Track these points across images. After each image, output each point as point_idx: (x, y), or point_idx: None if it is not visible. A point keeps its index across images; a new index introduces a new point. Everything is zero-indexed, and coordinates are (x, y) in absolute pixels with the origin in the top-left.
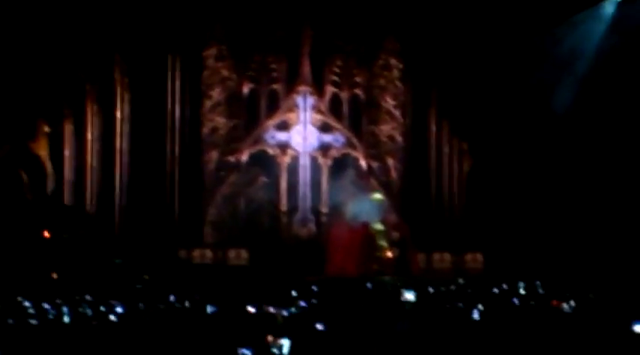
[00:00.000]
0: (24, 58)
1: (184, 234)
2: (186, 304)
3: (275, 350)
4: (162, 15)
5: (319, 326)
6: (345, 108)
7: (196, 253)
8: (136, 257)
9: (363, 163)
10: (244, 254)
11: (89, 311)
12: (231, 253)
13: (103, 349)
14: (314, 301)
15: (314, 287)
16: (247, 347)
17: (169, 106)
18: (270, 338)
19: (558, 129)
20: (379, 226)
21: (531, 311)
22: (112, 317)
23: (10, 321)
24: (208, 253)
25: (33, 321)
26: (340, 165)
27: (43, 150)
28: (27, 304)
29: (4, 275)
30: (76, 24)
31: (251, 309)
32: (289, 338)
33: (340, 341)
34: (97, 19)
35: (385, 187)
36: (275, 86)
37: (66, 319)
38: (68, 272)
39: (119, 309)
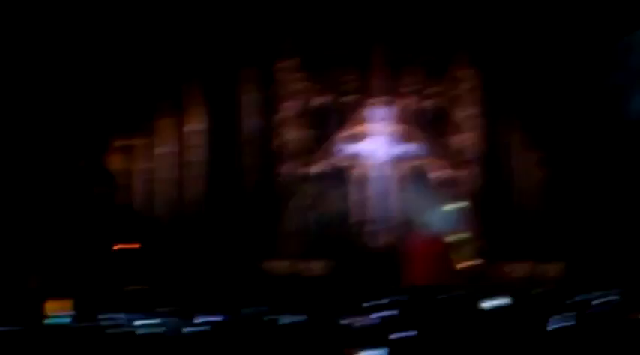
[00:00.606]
0: (97, 73)
1: (259, 246)
2: (265, 316)
3: None
4: (234, 28)
5: (398, 336)
6: (417, 119)
7: (272, 265)
8: (212, 268)
9: (436, 174)
10: (320, 265)
11: (167, 323)
12: (307, 264)
13: None
14: (392, 312)
15: (392, 298)
16: None
17: (242, 119)
18: (350, 350)
19: (635, 136)
20: (454, 237)
21: (609, 321)
22: (191, 330)
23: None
24: (283, 264)
25: (114, 330)
26: (414, 177)
27: (117, 165)
28: (105, 316)
29: (83, 289)
30: (149, 38)
31: (331, 320)
32: (374, 348)
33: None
34: (170, 32)
35: (459, 197)
36: (347, 98)
37: (142, 330)
38: (144, 285)
39: (198, 320)
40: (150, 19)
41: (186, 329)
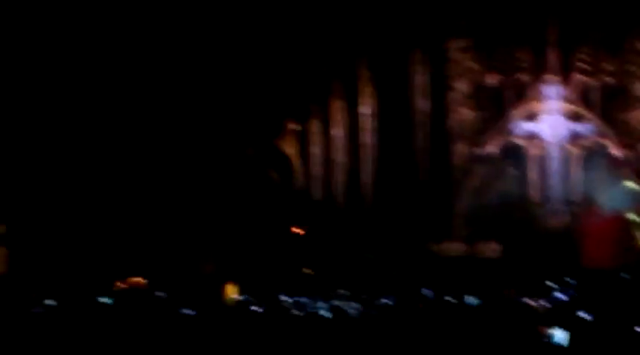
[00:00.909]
0: (270, 58)
1: (434, 228)
2: (445, 298)
3: (554, 339)
4: (405, 9)
5: (582, 317)
6: (595, 96)
7: (446, 246)
8: (388, 251)
9: (614, 152)
10: (496, 246)
11: (347, 306)
12: (483, 246)
13: (365, 342)
14: (572, 293)
15: (571, 279)
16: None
17: (414, 100)
18: (543, 328)
19: None
20: (634, 216)
21: None
22: (374, 311)
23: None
24: (459, 246)
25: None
26: (591, 155)
27: (291, 148)
28: (286, 299)
29: (261, 272)
30: (320, 22)
31: (509, 301)
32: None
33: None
34: (341, 16)
35: (639, 175)
36: (521, 76)
37: (324, 313)
38: (322, 268)
39: (380, 303)
40: (321, 3)
41: (366, 311)
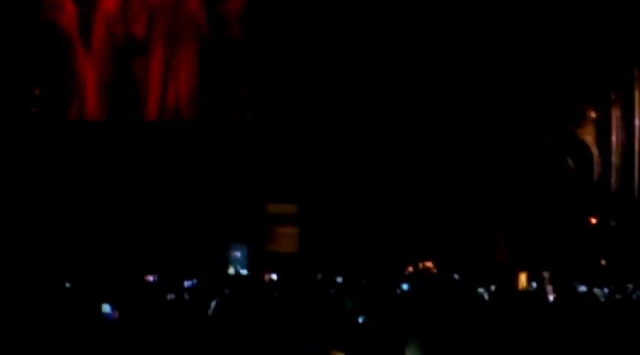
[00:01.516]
0: (571, 44)
1: None
2: None
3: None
4: None
5: None
6: None
7: None
8: None
9: None
10: None
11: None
12: None
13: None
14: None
15: None
16: None
17: None
18: None
19: None
20: None
21: None
22: None
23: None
24: None
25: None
26: None
27: (589, 136)
28: (582, 289)
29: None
30: (621, 6)
31: None
32: None
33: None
34: None
35: None
36: None
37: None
38: (616, 259)
39: None
40: None
41: None
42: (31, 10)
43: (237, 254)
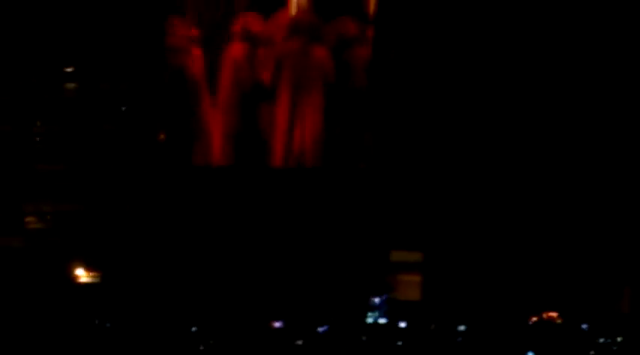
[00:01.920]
0: None
1: None
2: None
3: None
4: None
5: None
6: None
7: None
8: None
9: None
10: None
11: None
12: None
13: None
14: None
15: None
16: None
17: None
18: None
19: None
20: None
21: None
22: None
23: None
24: None
25: None
26: None
27: None
28: None
29: None
30: None
31: None
32: None
33: None
34: None
35: None
36: None
37: None
38: None
39: None
40: None
41: None
42: (159, 55)
43: (377, 301)
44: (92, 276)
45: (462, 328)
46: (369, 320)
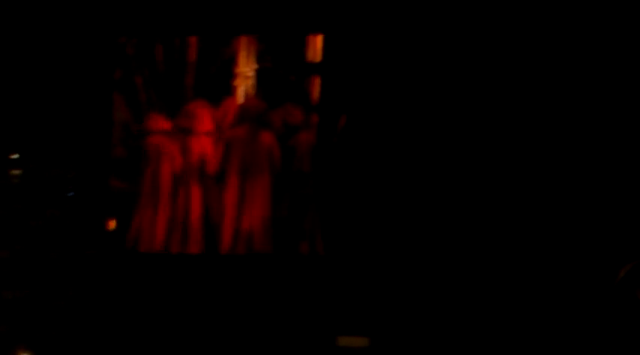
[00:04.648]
0: None
1: None
2: None
3: None
4: None
5: None
6: None
7: None
8: None
9: None
10: None
11: None
12: None
13: None
14: None
15: None
16: None
17: None
18: None
19: None
20: None
21: None
22: None
23: None
24: None
25: None
26: None
27: None
28: None
29: None
30: None
31: None
32: None
33: None
34: None
35: None
36: None
37: None
38: None
39: None
40: None
41: None
42: (105, 139)
43: None
44: None
45: None
46: None
